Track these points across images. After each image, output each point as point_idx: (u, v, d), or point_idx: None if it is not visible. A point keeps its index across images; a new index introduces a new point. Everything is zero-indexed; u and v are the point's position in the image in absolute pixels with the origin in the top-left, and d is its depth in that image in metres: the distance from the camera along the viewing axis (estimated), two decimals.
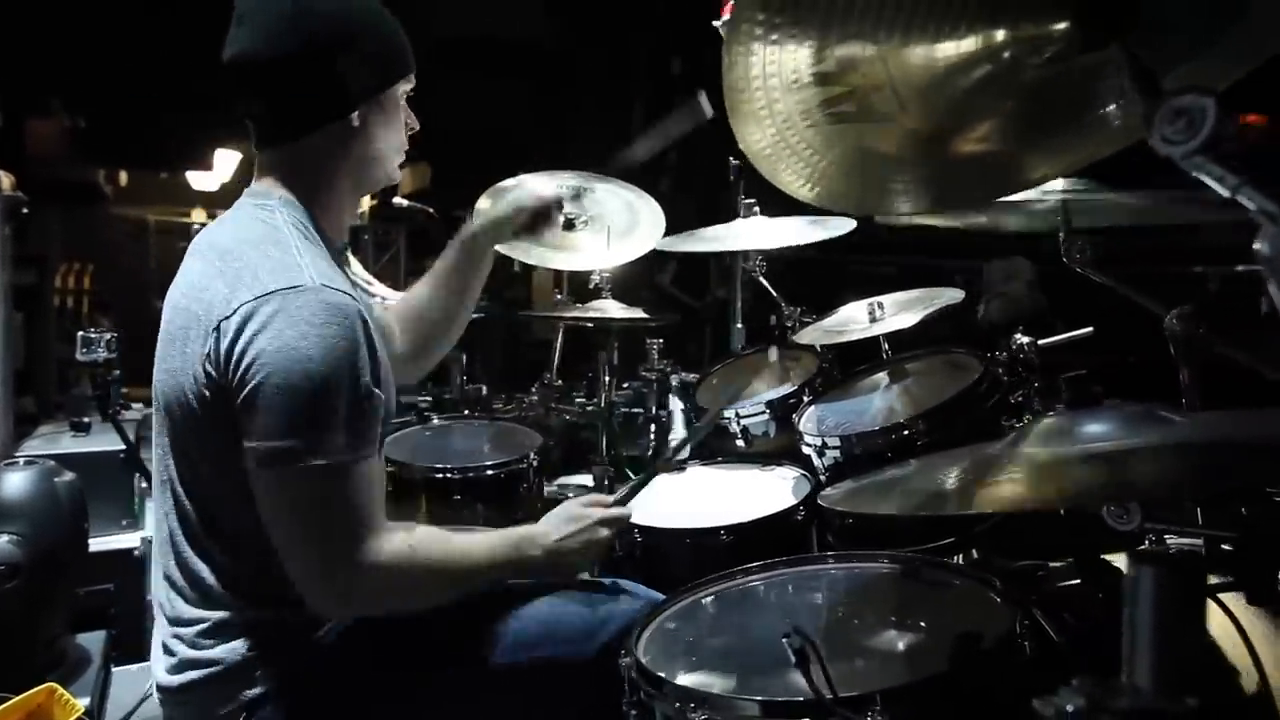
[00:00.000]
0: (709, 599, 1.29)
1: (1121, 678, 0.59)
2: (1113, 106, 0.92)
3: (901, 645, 1.05)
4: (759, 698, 0.95)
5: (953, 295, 1.75)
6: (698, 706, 0.97)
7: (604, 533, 1.37)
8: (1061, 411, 1.04)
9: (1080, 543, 1.34)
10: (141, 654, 2.59)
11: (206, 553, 1.20)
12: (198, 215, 7.90)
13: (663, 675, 1.04)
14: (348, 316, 1.13)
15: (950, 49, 0.79)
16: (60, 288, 6.04)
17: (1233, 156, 0.63)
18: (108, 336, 1.92)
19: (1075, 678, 0.60)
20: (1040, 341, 1.68)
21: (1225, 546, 1.25)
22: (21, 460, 2.09)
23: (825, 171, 0.90)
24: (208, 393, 1.14)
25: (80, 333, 1.91)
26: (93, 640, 2.23)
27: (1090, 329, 1.75)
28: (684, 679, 1.07)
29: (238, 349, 1.10)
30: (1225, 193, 0.63)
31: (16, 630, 1.91)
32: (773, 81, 0.74)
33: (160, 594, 1.25)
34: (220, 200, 7.65)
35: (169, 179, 8.07)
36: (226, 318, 1.12)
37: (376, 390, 1.17)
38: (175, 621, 1.21)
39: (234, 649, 1.18)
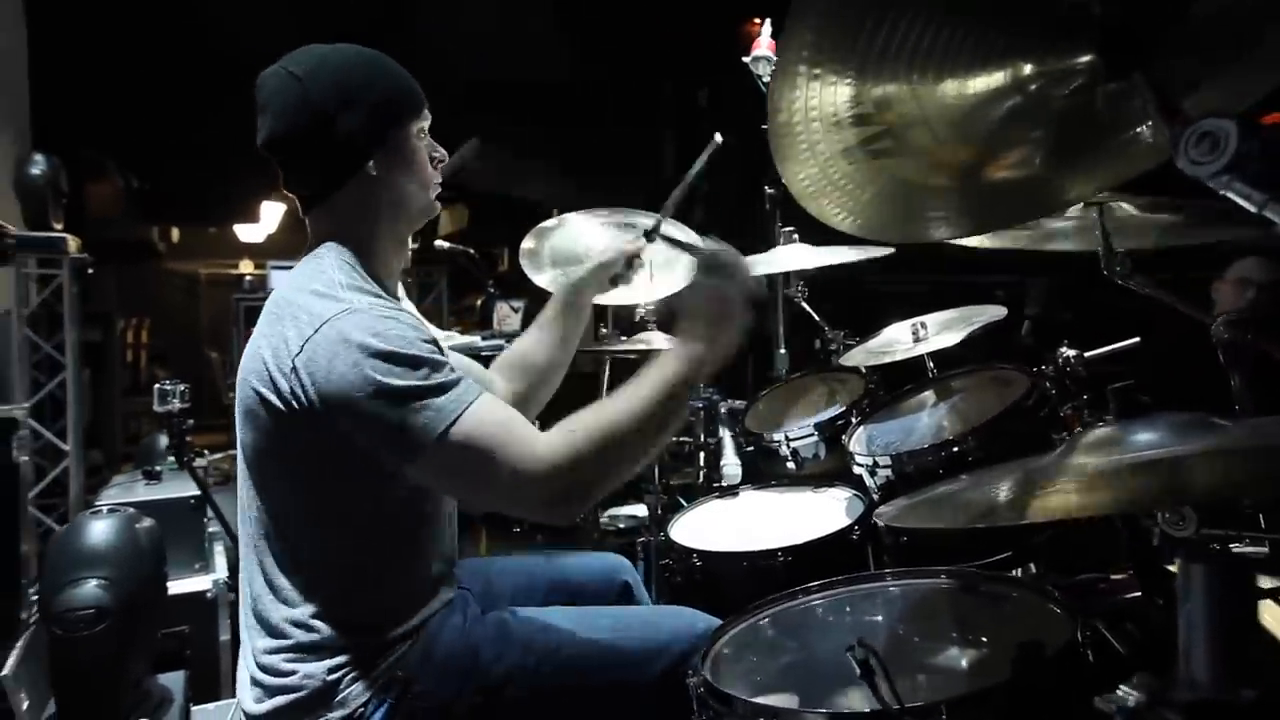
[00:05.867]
0: (769, 620, 1.33)
1: (1178, 673, 0.62)
2: (1142, 127, 0.96)
3: (963, 658, 1.08)
4: (824, 710, 0.98)
5: (995, 312, 1.77)
6: None
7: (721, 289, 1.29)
8: (1110, 421, 1.08)
9: (1140, 553, 1.34)
10: (216, 693, 2.68)
11: (289, 582, 1.27)
12: (245, 266, 8.20)
13: (731, 693, 1.08)
14: (397, 316, 1.21)
15: (980, 84, 0.84)
16: (121, 343, 6.29)
17: (1258, 174, 0.67)
18: (181, 388, 2.02)
19: (1135, 675, 0.64)
20: (1086, 354, 1.70)
21: None
22: (104, 508, 2.20)
23: (866, 204, 0.95)
24: (289, 429, 1.22)
25: (156, 385, 2.01)
26: (173, 680, 2.32)
27: (1137, 339, 1.76)
28: (751, 698, 1.10)
29: (311, 383, 1.17)
30: (1252, 208, 0.67)
31: (105, 671, 2.00)
32: (814, 124, 0.80)
33: (246, 625, 1.32)
34: (266, 251, 7.93)
35: (218, 233, 8.42)
36: (296, 354, 1.19)
37: (442, 353, 1.23)
38: (261, 651, 1.28)
39: (314, 674, 1.24)
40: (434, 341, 1.24)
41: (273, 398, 1.21)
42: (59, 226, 4.44)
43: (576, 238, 2.41)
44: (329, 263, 1.31)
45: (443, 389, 1.18)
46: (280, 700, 1.25)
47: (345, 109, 1.31)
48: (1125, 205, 1.42)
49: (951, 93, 0.85)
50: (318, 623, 1.25)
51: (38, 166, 4.44)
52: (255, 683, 1.28)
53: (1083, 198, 1.19)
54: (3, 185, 4.47)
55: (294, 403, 1.20)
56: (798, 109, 0.78)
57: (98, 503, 2.51)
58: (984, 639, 1.12)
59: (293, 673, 1.25)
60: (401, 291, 1.55)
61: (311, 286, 1.27)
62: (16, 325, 4.43)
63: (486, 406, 1.21)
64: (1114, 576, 1.66)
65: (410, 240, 1.54)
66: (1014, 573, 1.72)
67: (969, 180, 1.03)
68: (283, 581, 1.27)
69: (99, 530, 2.06)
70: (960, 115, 0.87)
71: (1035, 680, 0.94)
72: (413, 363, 1.18)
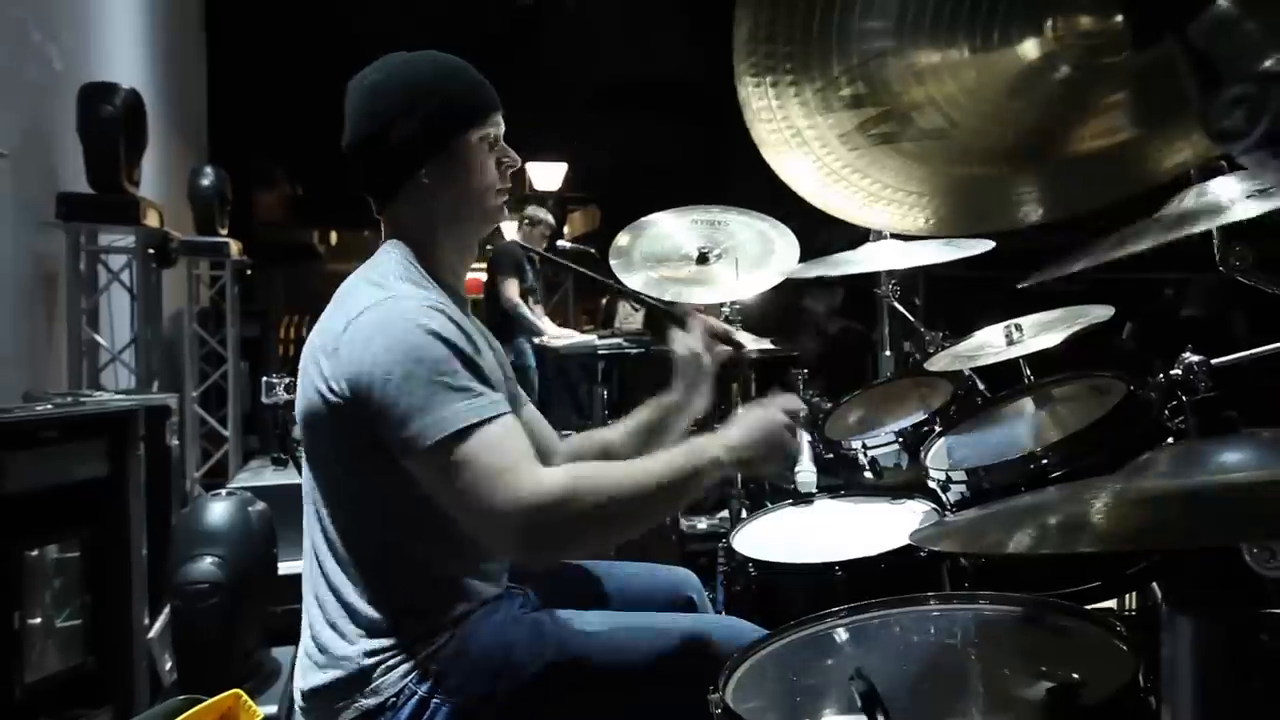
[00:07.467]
0: (806, 640, 1.25)
1: None
2: None
3: (995, 697, 0.96)
4: None
5: (1100, 313, 1.59)
6: None
7: (782, 418, 1.33)
8: (1191, 439, 0.94)
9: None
10: None
11: (335, 566, 1.31)
12: None
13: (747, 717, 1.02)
14: (432, 313, 1.22)
15: (995, 60, 0.74)
16: (282, 338, 6.82)
17: None
18: (286, 380, 2.15)
19: None
20: (1214, 361, 1.49)
21: None
22: (224, 492, 2.38)
23: (906, 199, 0.87)
24: (329, 412, 1.25)
25: (264, 379, 2.15)
26: (284, 654, 2.48)
27: (1278, 345, 1.53)
28: None
29: (346, 366, 1.22)
30: None
31: (217, 641, 2.17)
32: (796, 110, 0.73)
33: (305, 604, 1.37)
34: None
35: (371, 235, 9.02)
36: (340, 336, 1.24)
37: (478, 359, 1.24)
38: (311, 630, 1.33)
39: (351, 658, 1.27)
40: (474, 348, 1.25)
41: (319, 381, 1.26)
42: (224, 232, 4.87)
43: (667, 236, 2.39)
44: (388, 257, 1.36)
45: (465, 393, 1.19)
46: (321, 679, 1.29)
47: (404, 116, 1.34)
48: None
49: (963, 71, 0.76)
50: (359, 607, 1.28)
51: (206, 178, 4.89)
52: (306, 657, 1.33)
53: (1190, 161, 1.03)
54: (179, 195, 4.95)
55: (333, 384, 1.24)
56: (774, 97, 0.71)
57: (225, 486, 2.73)
58: (1025, 676, 0.99)
59: (333, 653, 1.29)
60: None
61: (367, 276, 1.33)
62: (187, 321, 4.90)
63: (500, 431, 1.19)
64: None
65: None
66: (1128, 602, 1.55)
67: (1043, 156, 0.91)
68: (330, 565, 1.31)
69: (216, 511, 2.23)
70: (983, 94, 0.77)
71: None
72: (442, 359, 1.19)
